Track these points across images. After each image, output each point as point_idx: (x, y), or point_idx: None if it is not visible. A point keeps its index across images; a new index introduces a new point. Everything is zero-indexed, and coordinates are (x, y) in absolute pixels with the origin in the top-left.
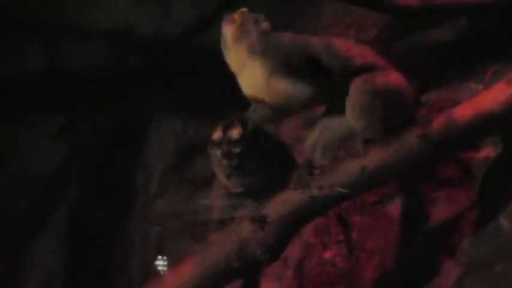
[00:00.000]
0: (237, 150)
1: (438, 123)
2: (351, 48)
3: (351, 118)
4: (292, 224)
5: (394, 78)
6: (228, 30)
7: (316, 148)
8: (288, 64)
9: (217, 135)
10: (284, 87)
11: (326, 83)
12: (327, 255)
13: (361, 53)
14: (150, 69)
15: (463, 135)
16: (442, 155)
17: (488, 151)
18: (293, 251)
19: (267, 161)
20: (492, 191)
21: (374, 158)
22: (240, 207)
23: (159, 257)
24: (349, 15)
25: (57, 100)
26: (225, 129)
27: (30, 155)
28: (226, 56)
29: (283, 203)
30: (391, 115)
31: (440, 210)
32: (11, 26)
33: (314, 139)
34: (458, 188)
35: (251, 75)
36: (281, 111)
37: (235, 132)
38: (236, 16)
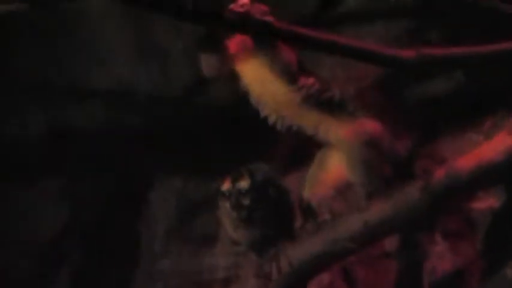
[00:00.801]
0: (246, 202)
1: (440, 174)
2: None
3: (350, 173)
4: (297, 280)
5: (373, 125)
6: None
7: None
8: None
9: (226, 186)
10: None
11: None
12: None
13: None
14: (149, 128)
15: (466, 186)
16: (445, 206)
17: (491, 201)
18: None
19: (275, 213)
20: (496, 241)
21: (376, 211)
22: (245, 264)
23: None
24: (347, 70)
25: (57, 161)
26: (234, 181)
27: (31, 217)
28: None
29: (285, 260)
30: (387, 163)
31: (445, 262)
32: (10, 86)
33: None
34: (462, 239)
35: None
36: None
37: (243, 184)
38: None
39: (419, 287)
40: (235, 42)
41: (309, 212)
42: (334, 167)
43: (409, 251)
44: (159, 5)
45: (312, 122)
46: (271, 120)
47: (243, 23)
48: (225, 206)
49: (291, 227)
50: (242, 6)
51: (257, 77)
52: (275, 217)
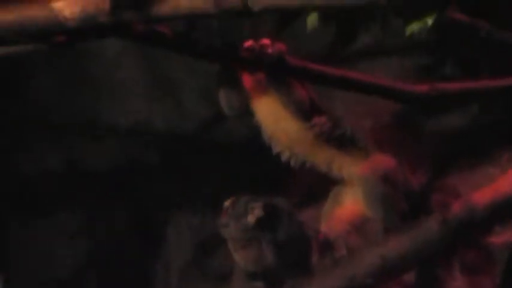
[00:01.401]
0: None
1: (457, 208)
2: None
3: (367, 209)
4: None
5: (387, 160)
6: None
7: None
8: None
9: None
10: None
11: None
12: None
13: None
14: (166, 164)
15: (483, 220)
16: (463, 240)
17: (508, 235)
18: None
19: (291, 246)
20: None
21: (394, 246)
22: None
23: None
24: (362, 105)
25: (74, 197)
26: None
27: (48, 253)
28: None
29: None
30: (403, 198)
31: None
32: (28, 123)
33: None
34: (480, 274)
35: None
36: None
37: (257, 212)
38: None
39: None
40: (249, 78)
41: (326, 247)
42: (349, 203)
43: (427, 286)
44: (174, 43)
45: (325, 159)
46: (285, 157)
47: (257, 60)
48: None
49: (307, 262)
50: (261, 45)
51: (270, 114)
52: (290, 250)
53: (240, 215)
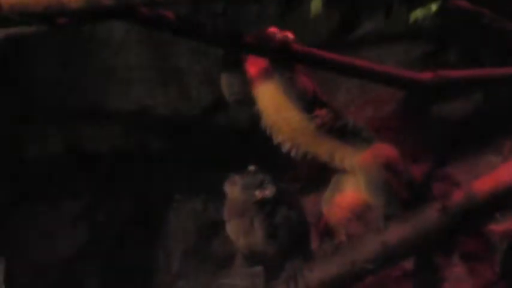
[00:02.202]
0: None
1: (458, 196)
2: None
3: (369, 196)
4: None
5: (388, 149)
6: None
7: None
8: None
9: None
10: None
11: None
12: None
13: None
14: (169, 150)
15: (484, 209)
16: (463, 228)
17: (509, 224)
18: None
19: (291, 231)
20: None
21: (395, 233)
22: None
23: None
24: (365, 92)
25: (77, 182)
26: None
27: (51, 237)
28: None
29: (303, 282)
30: (404, 187)
31: (464, 285)
32: (31, 109)
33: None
34: (481, 261)
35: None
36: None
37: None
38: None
39: None
40: (253, 66)
41: (326, 233)
42: (350, 191)
43: (427, 273)
44: (179, 27)
45: (326, 149)
46: (286, 147)
47: (262, 45)
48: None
49: (306, 248)
50: (270, 33)
51: (272, 103)
52: (287, 235)
53: (250, 185)
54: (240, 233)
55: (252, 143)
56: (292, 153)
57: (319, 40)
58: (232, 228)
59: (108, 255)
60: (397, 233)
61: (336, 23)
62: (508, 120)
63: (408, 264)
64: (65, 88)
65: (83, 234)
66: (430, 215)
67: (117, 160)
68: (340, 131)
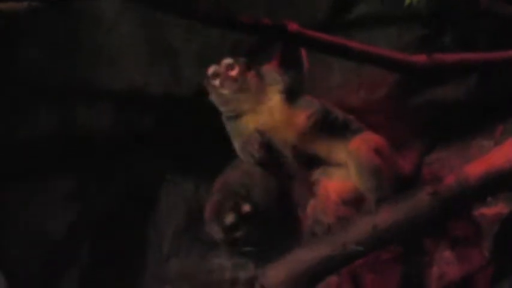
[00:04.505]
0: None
1: (449, 180)
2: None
3: (360, 181)
4: (304, 283)
5: (377, 137)
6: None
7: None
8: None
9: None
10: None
11: None
12: None
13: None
14: (160, 129)
15: (475, 193)
16: (454, 212)
17: (500, 208)
18: None
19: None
20: (505, 248)
21: (385, 216)
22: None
23: None
24: (359, 75)
25: (68, 162)
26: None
27: (42, 216)
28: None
29: (294, 262)
30: (392, 171)
31: (453, 269)
32: (22, 87)
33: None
34: (471, 245)
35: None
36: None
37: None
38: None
39: None
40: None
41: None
42: (339, 180)
43: (416, 256)
44: (172, 5)
45: (324, 148)
46: (284, 151)
47: (256, 26)
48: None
49: (296, 230)
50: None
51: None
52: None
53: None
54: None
55: None
56: (288, 154)
57: (314, 21)
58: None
59: (98, 234)
60: (387, 216)
61: (331, 4)
62: (501, 104)
63: (398, 248)
64: (56, 67)
65: (73, 213)
66: (421, 199)
67: (108, 139)
68: (331, 127)
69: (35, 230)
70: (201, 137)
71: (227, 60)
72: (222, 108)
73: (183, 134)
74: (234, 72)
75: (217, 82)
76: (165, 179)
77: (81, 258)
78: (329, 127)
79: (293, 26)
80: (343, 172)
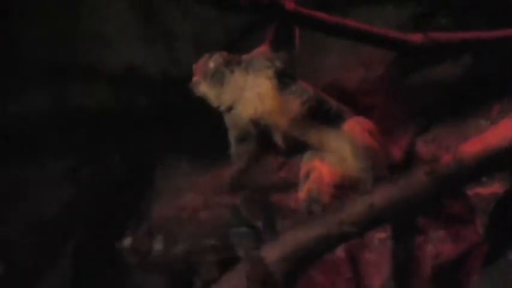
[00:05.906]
0: None
1: (446, 160)
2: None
3: (355, 161)
4: (299, 262)
5: (366, 121)
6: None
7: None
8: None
9: None
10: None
11: None
12: None
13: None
14: (156, 110)
15: (471, 172)
16: (450, 191)
17: (496, 187)
18: None
19: None
20: (501, 227)
21: (382, 195)
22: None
23: None
24: (356, 54)
25: (63, 141)
26: None
27: (36, 196)
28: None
29: (290, 241)
30: (386, 153)
31: (449, 247)
32: (19, 67)
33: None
34: (466, 224)
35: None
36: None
37: None
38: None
39: (419, 271)
40: None
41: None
42: (331, 164)
43: (413, 234)
44: None
45: (316, 136)
46: (277, 138)
47: (253, 5)
48: None
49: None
50: None
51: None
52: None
53: None
54: None
55: None
56: (281, 144)
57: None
58: None
59: (92, 215)
60: (384, 195)
61: None
62: (497, 83)
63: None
64: (52, 47)
65: (67, 193)
66: (418, 178)
67: (104, 119)
68: (324, 115)
69: (30, 208)
70: (194, 117)
71: (204, 56)
72: (210, 103)
73: (180, 114)
74: (209, 67)
75: (195, 78)
76: (160, 158)
77: (74, 238)
78: (322, 115)
79: (290, 5)
80: (334, 158)
